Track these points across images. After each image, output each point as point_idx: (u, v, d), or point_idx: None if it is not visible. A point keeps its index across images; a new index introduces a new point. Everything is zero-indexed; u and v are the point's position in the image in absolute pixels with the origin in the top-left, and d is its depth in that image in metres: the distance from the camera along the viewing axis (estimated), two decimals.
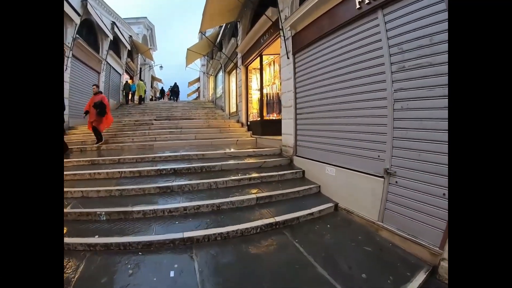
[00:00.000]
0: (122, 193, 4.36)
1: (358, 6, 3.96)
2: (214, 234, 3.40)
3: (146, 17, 24.05)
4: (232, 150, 6.80)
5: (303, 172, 5.57)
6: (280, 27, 6.40)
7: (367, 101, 3.89)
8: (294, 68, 5.97)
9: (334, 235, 3.63)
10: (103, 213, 3.77)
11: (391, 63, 3.46)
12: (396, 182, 3.39)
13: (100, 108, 7.64)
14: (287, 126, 6.28)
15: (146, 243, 3.19)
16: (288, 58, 6.13)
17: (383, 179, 3.57)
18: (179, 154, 6.12)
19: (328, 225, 3.92)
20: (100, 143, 7.84)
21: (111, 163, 5.78)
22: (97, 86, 8.17)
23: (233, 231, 3.49)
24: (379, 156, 3.68)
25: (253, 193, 4.46)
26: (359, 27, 4.04)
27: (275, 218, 3.83)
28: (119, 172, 5.03)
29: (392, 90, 3.43)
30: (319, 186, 5.02)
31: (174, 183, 4.56)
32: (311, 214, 4.11)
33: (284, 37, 6.19)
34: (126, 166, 5.41)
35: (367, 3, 3.79)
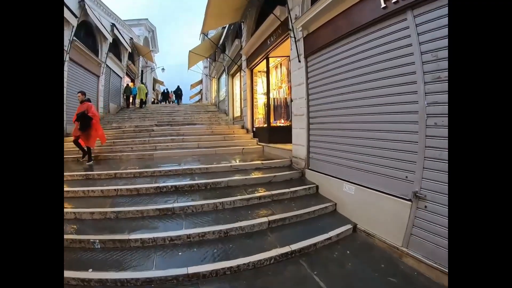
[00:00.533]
0: (118, 216, 3.91)
1: (383, 5, 3.48)
2: (223, 268, 2.97)
3: (147, 19, 23.65)
4: (238, 162, 6.29)
5: (317, 187, 5.10)
6: (290, 27, 5.93)
7: (395, 114, 3.44)
8: (307, 72, 5.48)
9: (355, 264, 3.23)
10: (97, 241, 3.35)
11: (423, 72, 3.01)
12: (426, 207, 3.00)
13: (81, 120, 6.54)
14: (299, 136, 5.80)
15: (146, 280, 2.80)
16: (299, 61, 5.65)
17: (410, 203, 3.17)
18: (180, 168, 5.62)
19: (348, 251, 3.50)
20: (87, 161, 6.76)
21: (107, 178, 5.30)
22: (83, 93, 6.96)
23: (244, 264, 3.05)
24: (407, 177, 3.26)
25: (265, 216, 3.98)
26: (384, 29, 3.58)
27: (291, 246, 3.38)
28: (115, 189, 4.54)
29: (424, 103, 3.00)
30: (335, 204, 4.56)
31: (175, 205, 4.06)
32: (329, 238, 3.68)
33: (295, 38, 5.72)
34: (123, 183, 4.93)
35: (394, 2, 3.33)
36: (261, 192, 4.62)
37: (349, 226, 3.96)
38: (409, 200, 3.19)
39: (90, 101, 7.00)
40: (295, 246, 3.37)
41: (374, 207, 3.74)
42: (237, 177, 5.13)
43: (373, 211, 3.76)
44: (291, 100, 8.29)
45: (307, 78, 5.47)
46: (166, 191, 4.60)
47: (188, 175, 5.33)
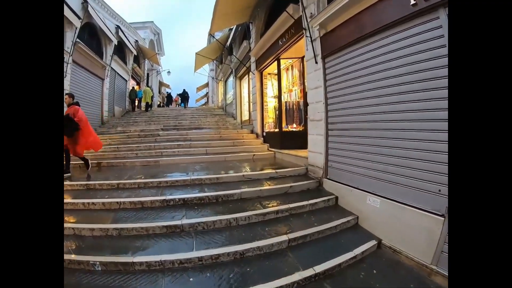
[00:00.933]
0: (121, 233, 3.51)
1: (413, 2, 3.17)
2: None
3: (152, 22, 23.53)
4: (250, 171, 5.83)
5: (336, 198, 4.69)
6: (304, 26, 5.57)
7: (426, 121, 3.11)
8: (325, 74, 5.09)
9: (384, 285, 2.89)
10: (98, 263, 2.97)
11: None
12: None
13: (65, 125, 5.53)
14: (315, 143, 5.38)
15: None
16: (316, 62, 5.25)
17: (443, 219, 2.89)
18: (188, 178, 5.17)
19: (375, 271, 3.14)
20: (86, 168, 6.21)
21: (109, 188, 4.89)
22: (71, 96, 6.13)
23: None
24: (440, 190, 2.96)
25: (284, 233, 3.56)
26: (414, 28, 3.26)
27: (314, 268, 2.97)
28: (117, 202, 4.14)
29: None
30: (357, 217, 4.18)
31: (184, 221, 3.63)
32: (354, 257, 3.30)
33: (311, 38, 5.32)
34: (126, 195, 4.52)
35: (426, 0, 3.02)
36: (278, 206, 4.19)
37: (373, 242, 3.62)
38: (442, 215, 2.90)
39: (78, 105, 6.14)
40: (319, 268, 2.98)
41: (401, 221, 3.42)
42: (250, 189, 4.69)
43: (400, 226, 3.44)
44: (307, 104, 7.93)
45: (325, 81, 5.07)
46: (173, 204, 4.17)
47: (197, 186, 4.90)
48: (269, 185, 4.97)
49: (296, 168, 5.79)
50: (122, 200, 4.19)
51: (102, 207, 4.15)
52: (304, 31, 5.68)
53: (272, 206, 4.17)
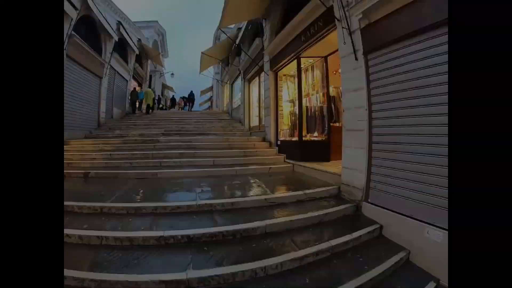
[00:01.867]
0: (101, 287, 2.44)
1: None
2: None
3: (157, 21, 22.71)
4: (272, 192, 4.60)
5: (380, 228, 3.70)
6: (339, 16, 4.59)
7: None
8: (368, 74, 4.09)
9: None
10: None
11: None
12: None
13: None
14: (354, 158, 4.33)
15: None
16: (356, 59, 4.25)
17: None
18: (194, 203, 3.88)
19: None
20: None
21: (90, 213, 3.75)
22: None
23: None
24: None
25: (332, 286, 2.52)
26: None
27: None
28: (98, 237, 3.05)
29: None
30: (408, 252, 3.29)
31: (191, 274, 2.49)
32: None
33: (349, 29, 4.32)
34: (111, 225, 3.38)
35: None
36: (316, 244, 3.12)
37: (433, 285, 2.88)
38: None
39: None
40: None
41: None
42: (278, 220, 3.57)
43: None
44: (331, 110, 6.91)
45: (369, 82, 4.07)
46: (174, 243, 3.04)
47: (205, 215, 3.71)
48: (299, 212, 3.84)
49: (326, 188, 4.69)
50: (104, 234, 3.07)
51: (78, 241, 3.07)
52: (336, 22, 4.71)
53: (309, 246, 3.09)
